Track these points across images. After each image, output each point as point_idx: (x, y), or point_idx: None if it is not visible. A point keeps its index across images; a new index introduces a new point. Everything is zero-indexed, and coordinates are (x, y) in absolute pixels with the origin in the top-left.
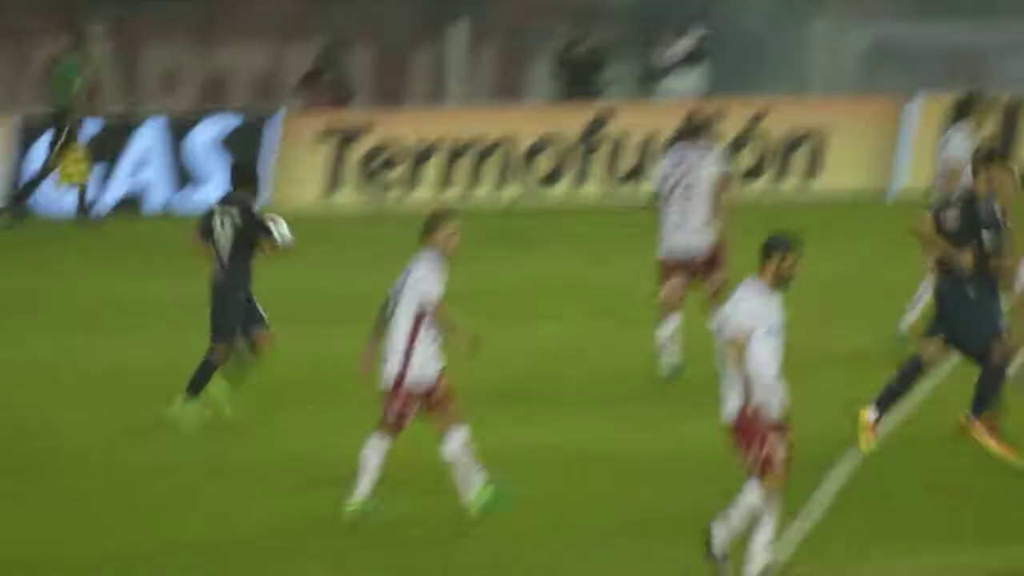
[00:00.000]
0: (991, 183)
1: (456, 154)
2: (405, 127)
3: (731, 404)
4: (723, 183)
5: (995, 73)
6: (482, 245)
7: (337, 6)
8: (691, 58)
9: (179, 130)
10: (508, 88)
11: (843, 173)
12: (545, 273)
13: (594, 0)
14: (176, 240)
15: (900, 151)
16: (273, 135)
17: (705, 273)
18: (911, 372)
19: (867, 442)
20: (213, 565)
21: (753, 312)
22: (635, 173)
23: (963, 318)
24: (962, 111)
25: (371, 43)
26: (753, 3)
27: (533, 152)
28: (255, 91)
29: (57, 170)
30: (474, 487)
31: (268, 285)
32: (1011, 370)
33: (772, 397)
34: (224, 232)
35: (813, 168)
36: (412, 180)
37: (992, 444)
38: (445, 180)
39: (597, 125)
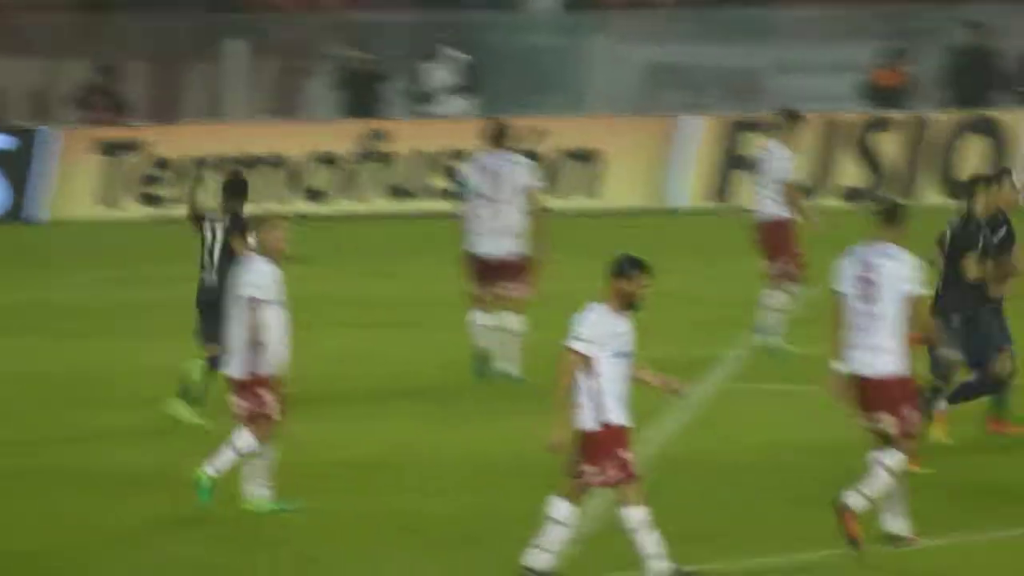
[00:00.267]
0: (991, 201)
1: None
2: (181, 142)
3: (585, 418)
4: (533, 195)
5: (769, 93)
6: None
7: (113, 22)
8: (460, 83)
9: None
10: (285, 104)
11: (621, 191)
12: (325, 284)
13: (371, 18)
14: None
15: (677, 169)
16: (49, 150)
17: (507, 278)
18: (986, 385)
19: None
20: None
21: (601, 333)
22: (409, 189)
23: (978, 333)
24: (780, 130)
25: (147, 58)
26: (531, 23)
27: (310, 167)
28: (30, 107)
29: None
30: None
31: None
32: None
33: (623, 415)
34: (216, 241)
35: (593, 186)
36: (188, 194)
37: (938, 433)
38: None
39: (374, 141)
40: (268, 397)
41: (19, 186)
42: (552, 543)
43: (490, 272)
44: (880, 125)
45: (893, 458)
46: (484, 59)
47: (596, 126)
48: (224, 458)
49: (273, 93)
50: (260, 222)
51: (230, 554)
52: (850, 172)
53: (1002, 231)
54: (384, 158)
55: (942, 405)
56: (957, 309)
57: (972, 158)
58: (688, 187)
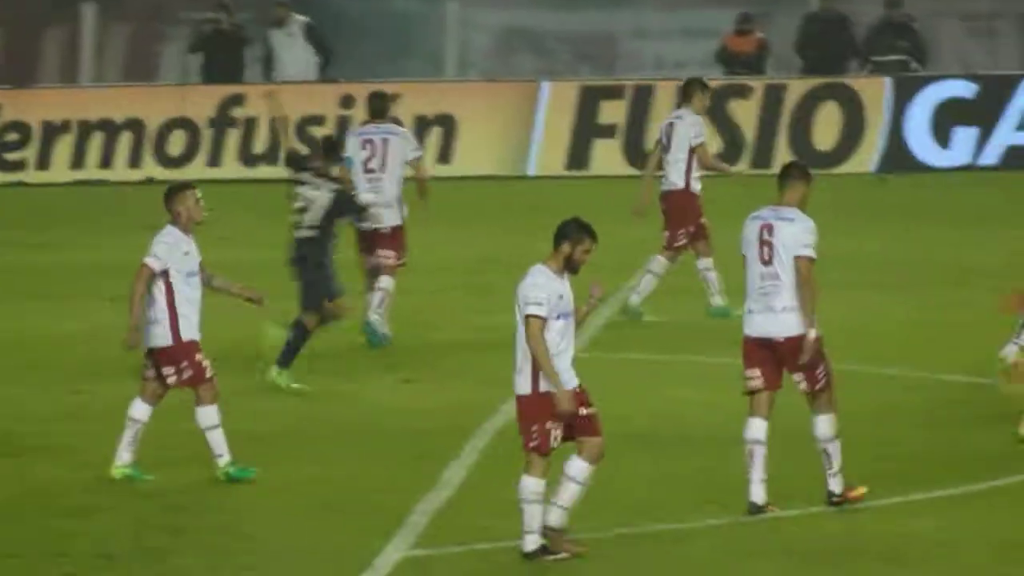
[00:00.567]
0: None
1: (87, 133)
2: (36, 106)
3: (523, 381)
4: (416, 164)
5: (625, 58)
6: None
7: None
8: (309, 49)
9: None
10: (141, 68)
11: (476, 157)
12: None
13: None
14: None
15: (532, 135)
16: None
17: (384, 246)
18: None
19: None
20: None
21: (547, 295)
22: (267, 154)
23: None
24: (687, 95)
25: (2, 22)
26: None
27: (165, 132)
28: None
29: None
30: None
31: None
32: None
33: (566, 372)
34: (311, 205)
35: (446, 152)
36: (43, 158)
37: None
38: (77, 159)
39: (230, 106)
40: (198, 360)
41: None
42: (534, 521)
43: (369, 242)
44: (735, 92)
45: (825, 422)
46: (338, 24)
47: (450, 91)
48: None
49: (129, 57)
50: (174, 191)
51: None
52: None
53: None
54: (239, 123)
55: None
56: None
57: (825, 126)
58: (543, 153)
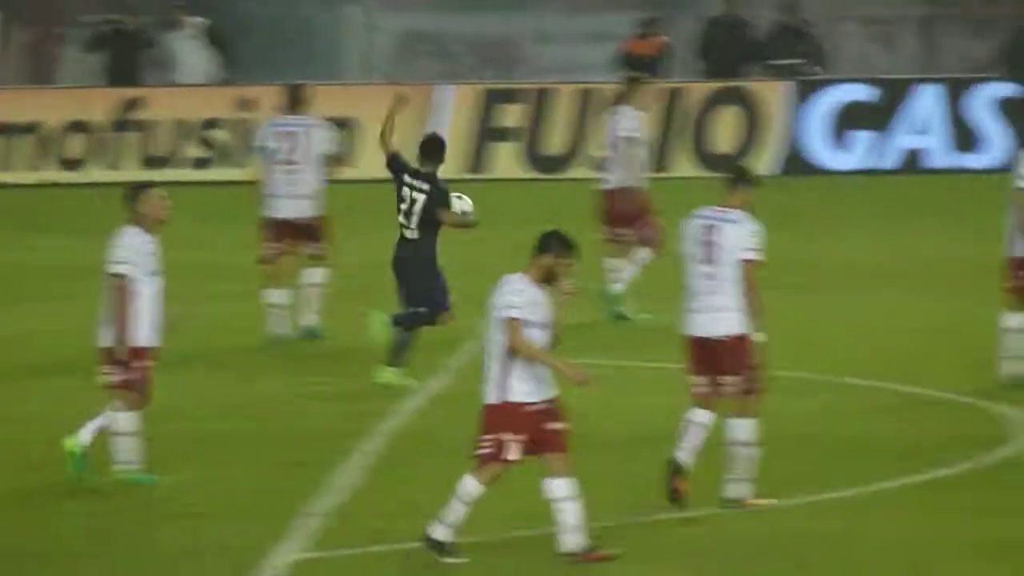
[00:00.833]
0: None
1: None
2: None
3: (492, 390)
4: (333, 159)
5: (525, 62)
6: (18, 227)
7: None
8: (207, 51)
9: None
10: (41, 71)
11: (379, 160)
12: (72, 256)
13: None
14: None
15: None
16: None
17: (306, 239)
18: None
19: None
20: None
21: (526, 303)
22: (168, 157)
23: None
24: (627, 93)
25: None
26: None
27: (64, 135)
28: None
29: None
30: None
31: None
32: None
33: (537, 383)
34: (415, 206)
35: (348, 155)
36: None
37: None
38: None
39: (130, 109)
40: (139, 367)
41: None
42: (457, 518)
43: (289, 234)
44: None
45: (744, 426)
46: (240, 27)
47: (351, 94)
48: (94, 428)
49: (28, 60)
50: (136, 191)
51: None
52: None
53: None
54: (139, 126)
55: None
56: None
57: (725, 129)
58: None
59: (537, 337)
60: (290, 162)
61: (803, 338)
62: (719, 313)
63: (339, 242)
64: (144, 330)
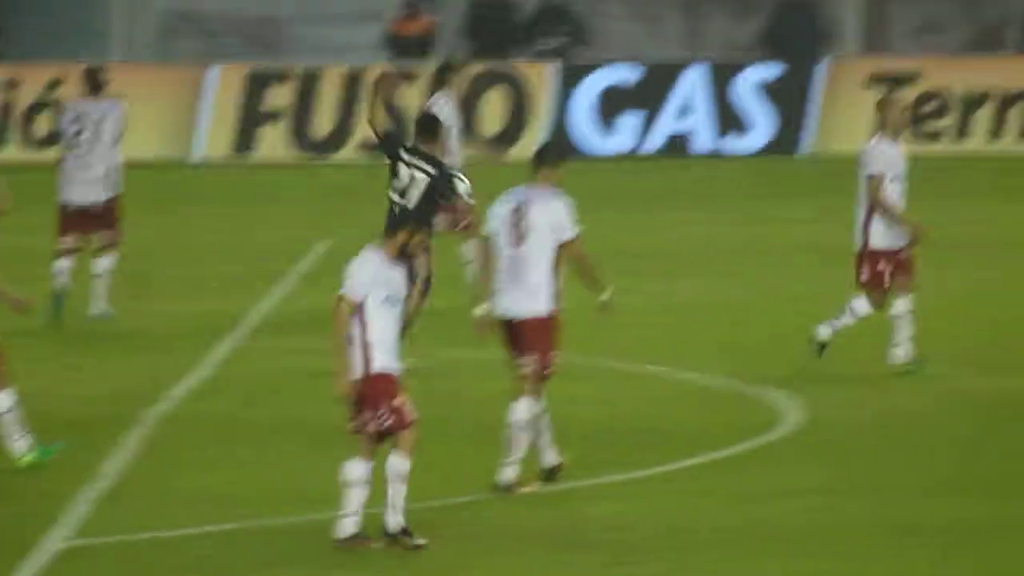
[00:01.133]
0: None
1: None
2: None
3: (355, 365)
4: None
5: (291, 43)
6: None
7: None
8: None
9: None
10: None
11: (142, 141)
12: None
13: None
14: None
15: (199, 119)
16: None
17: (99, 226)
18: None
19: None
20: None
21: (373, 279)
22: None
23: None
24: (441, 78)
25: None
26: None
27: None
28: None
29: None
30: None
31: None
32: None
33: (392, 362)
34: (415, 183)
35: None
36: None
37: None
38: None
39: None
40: None
41: None
42: (354, 506)
43: (83, 220)
44: (403, 76)
45: (526, 407)
46: (1, 5)
47: (117, 74)
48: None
49: None
50: None
51: None
52: None
53: None
54: None
55: None
56: None
57: (493, 110)
58: (208, 138)
59: (389, 312)
60: (84, 146)
61: (569, 322)
62: (527, 294)
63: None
64: None
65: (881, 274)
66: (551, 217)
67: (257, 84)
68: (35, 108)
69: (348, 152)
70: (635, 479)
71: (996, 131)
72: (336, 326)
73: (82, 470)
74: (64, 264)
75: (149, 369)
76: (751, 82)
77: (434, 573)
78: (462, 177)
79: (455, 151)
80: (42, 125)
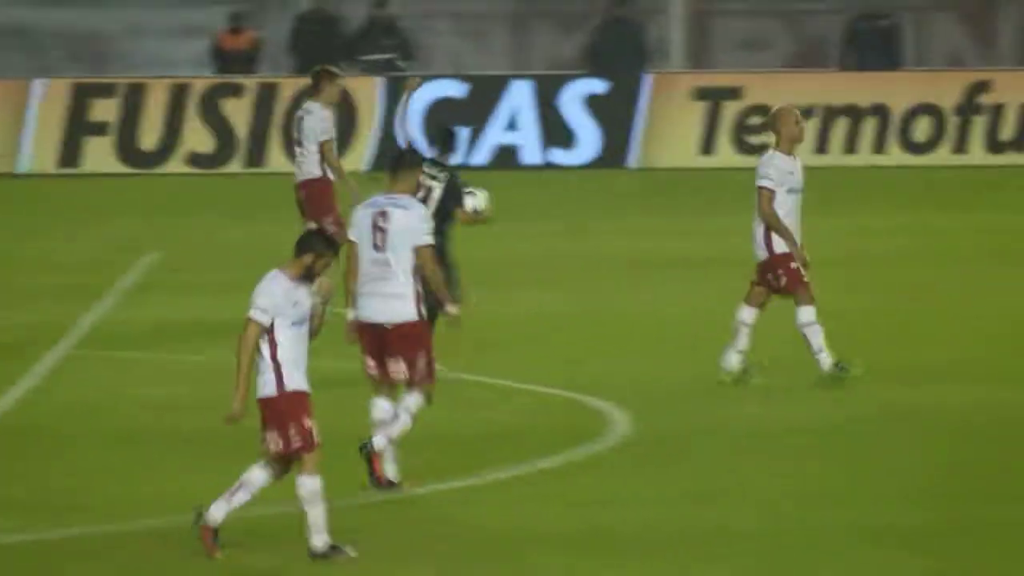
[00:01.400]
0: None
1: None
2: None
3: (267, 383)
4: None
5: (117, 57)
6: None
7: None
8: None
9: None
10: None
11: None
12: None
13: None
14: None
15: (25, 132)
16: None
17: None
18: None
19: None
20: None
21: (280, 300)
22: None
23: None
24: (315, 88)
25: None
26: None
27: None
28: None
29: None
30: None
31: None
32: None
33: (303, 381)
34: (433, 192)
35: None
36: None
37: None
38: None
39: None
40: None
41: None
42: (237, 503)
43: None
44: (228, 90)
45: (415, 402)
46: None
47: None
48: None
49: None
50: None
51: None
52: (198, 138)
53: None
54: None
55: None
56: None
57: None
58: (34, 151)
59: (296, 334)
60: None
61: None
62: (390, 300)
63: None
64: None
65: (797, 271)
66: (408, 223)
67: (83, 97)
68: None
69: (175, 164)
70: (471, 486)
71: (820, 146)
72: (244, 349)
73: None
74: None
75: None
76: (577, 96)
77: None
78: (474, 192)
79: (334, 162)
80: None
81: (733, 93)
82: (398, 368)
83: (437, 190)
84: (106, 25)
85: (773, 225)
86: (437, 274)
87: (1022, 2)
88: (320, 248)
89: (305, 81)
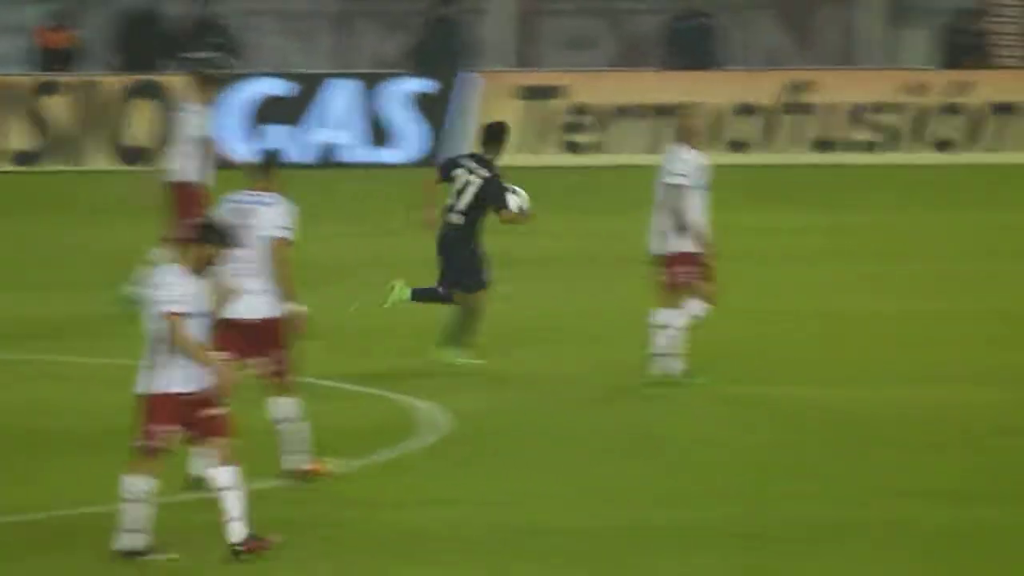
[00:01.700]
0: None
1: None
2: None
3: (145, 379)
4: None
5: None
6: None
7: None
8: None
9: None
10: None
11: None
12: None
13: None
14: None
15: None
16: None
17: None
18: None
19: None
20: None
21: (184, 295)
22: None
23: None
24: (193, 89)
25: None
26: None
27: None
28: None
29: None
30: None
31: None
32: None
33: (190, 372)
34: (467, 186)
35: None
36: None
37: None
38: None
39: None
40: None
41: None
42: (138, 521)
43: None
44: (49, 88)
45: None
46: None
47: None
48: None
49: None
50: None
51: None
52: (19, 136)
53: None
54: None
55: None
56: None
57: (141, 123)
58: None
59: (196, 325)
60: None
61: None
62: (252, 296)
63: None
64: None
65: (692, 272)
66: (268, 219)
67: None
68: None
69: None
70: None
71: (654, 146)
72: (184, 341)
73: None
74: None
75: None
76: (401, 95)
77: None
78: (516, 189)
79: (209, 161)
80: None
81: (557, 92)
82: (259, 363)
83: (474, 185)
84: None
85: (678, 220)
86: (287, 268)
87: (840, 2)
88: (215, 239)
89: (127, 78)
